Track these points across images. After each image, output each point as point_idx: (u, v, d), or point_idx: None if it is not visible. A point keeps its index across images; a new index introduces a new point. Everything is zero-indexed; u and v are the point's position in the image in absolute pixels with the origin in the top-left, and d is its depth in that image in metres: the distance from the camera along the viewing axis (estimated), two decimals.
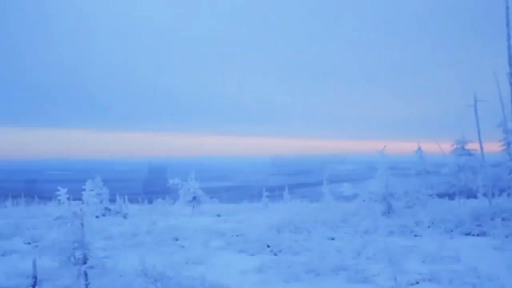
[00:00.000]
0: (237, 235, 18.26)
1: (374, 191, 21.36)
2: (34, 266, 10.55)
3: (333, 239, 17.16)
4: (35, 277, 10.57)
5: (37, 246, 15.51)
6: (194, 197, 27.73)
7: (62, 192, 9.32)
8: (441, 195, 23.57)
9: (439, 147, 23.05)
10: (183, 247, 16.40)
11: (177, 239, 18.02)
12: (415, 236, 17.37)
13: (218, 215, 27.28)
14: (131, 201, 33.56)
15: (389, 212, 21.30)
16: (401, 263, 9.51)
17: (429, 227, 18.14)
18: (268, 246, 15.80)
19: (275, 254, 14.88)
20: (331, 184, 24.37)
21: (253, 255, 15.03)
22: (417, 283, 10.85)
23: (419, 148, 23.57)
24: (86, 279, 9.39)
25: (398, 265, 9.37)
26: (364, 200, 21.17)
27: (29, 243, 17.90)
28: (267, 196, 30.40)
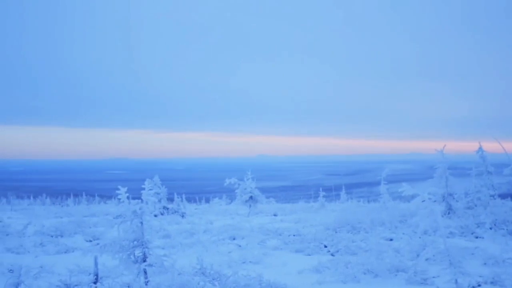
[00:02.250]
0: (293, 235, 18.21)
1: (433, 191, 20.91)
2: (96, 263, 10.80)
3: (391, 239, 16.92)
4: (96, 274, 10.82)
5: (98, 244, 15.83)
6: (251, 197, 27.84)
7: (122, 191, 9.50)
8: (503, 196, 22.92)
9: (501, 146, 22.38)
10: (240, 246, 16.49)
11: (234, 238, 18.12)
12: (476, 237, 16.95)
13: (275, 215, 27.30)
14: (189, 200, 34.03)
15: (449, 213, 20.85)
16: (461, 265, 9.29)
17: (491, 228, 17.68)
18: (325, 246, 15.72)
19: (332, 254, 14.79)
20: (389, 184, 24.02)
21: (310, 255, 14.98)
22: (479, 285, 10.59)
23: (480, 148, 22.92)
24: (146, 277, 9.56)
25: (458, 267, 9.15)
26: (423, 201, 20.79)
27: (90, 241, 18.35)
28: (323, 196, 30.24)
